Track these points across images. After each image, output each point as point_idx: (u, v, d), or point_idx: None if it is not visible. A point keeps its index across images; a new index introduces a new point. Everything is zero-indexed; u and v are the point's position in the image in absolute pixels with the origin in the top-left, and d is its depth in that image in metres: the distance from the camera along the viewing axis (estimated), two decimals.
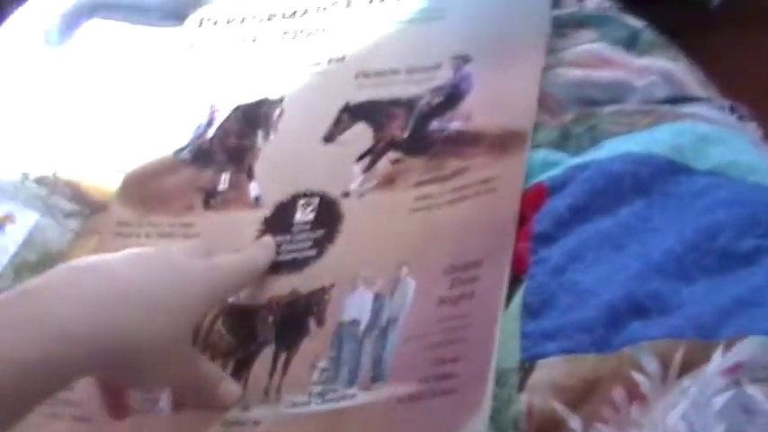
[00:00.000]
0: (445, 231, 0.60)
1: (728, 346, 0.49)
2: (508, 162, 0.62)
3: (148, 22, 0.80)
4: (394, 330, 0.56)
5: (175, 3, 0.81)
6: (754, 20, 1.51)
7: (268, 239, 0.62)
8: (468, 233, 0.59)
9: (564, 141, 0.65)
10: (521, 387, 0.51)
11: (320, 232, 0.62)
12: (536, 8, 0.73)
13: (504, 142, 0.64)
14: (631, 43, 0.73)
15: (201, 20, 0.78)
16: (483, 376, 0.52)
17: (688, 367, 0.49)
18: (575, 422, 0.49)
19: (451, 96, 0.68)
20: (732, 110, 0.68)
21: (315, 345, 0.57)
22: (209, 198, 0.67)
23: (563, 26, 0.74)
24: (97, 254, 0.59)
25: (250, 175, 0.67)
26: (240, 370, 0.57)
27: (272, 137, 0.69)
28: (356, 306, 0.58)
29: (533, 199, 0.60)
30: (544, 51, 0.70)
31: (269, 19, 0.77)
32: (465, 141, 0.65)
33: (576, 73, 0.70)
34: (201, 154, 0.69)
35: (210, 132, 0.70)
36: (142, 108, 0.73)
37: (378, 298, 0.58)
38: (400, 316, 0.56)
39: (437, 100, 0.68)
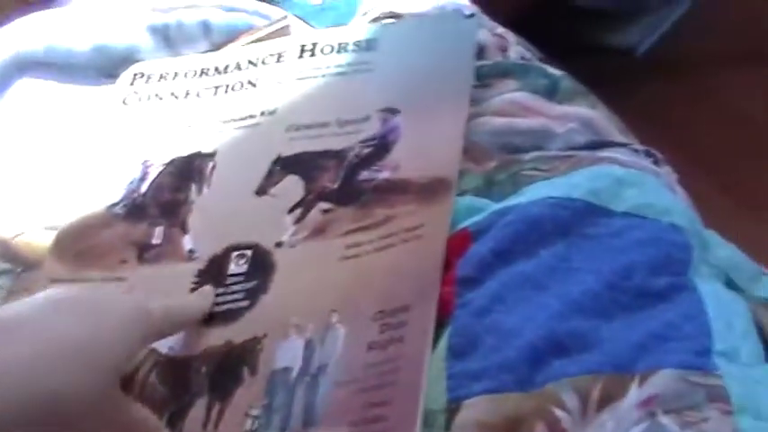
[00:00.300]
0: (374, 278, 0.62)
1: (643, 380, 0.51)
2: (434, 210, 0.64)
3: (79, 81, 0.81)
4: (325, 376, 0.57)
5: (106, 61, 0.82)
6: (677, 68, 1.57)
7: (208, 289, 0.63)
8: (397, 279, 0.61)
9: (488, 188, 0.67)
10: (447, 427, 0.53)
11: (253, 283, 0.64)
12: (460, 61, 0.76)
13: (431, 190, 0.66)
14: (552, 91, 0.75)
15: (134, 76, 0.80)
16: (412, 419, 0.53)
17: (606, 401, 0.51)
18: None
19: (380, 147, 0.70)
20: (648, 154, 0.71)
21: (248, 393, 0.58)
22: (143, 252, 0.67)
23: (486, 77, 0.76)
24: None
25: (184, 229, 0.68)
26: (174, 422, 0.58)
27: (205, 190, 0.70)
28: (288, 354, 0.59)
29: (458, 244, 0.62)
30: (468, 102, 0.72)
31: (201, 74, 0.79)
32: (393, 190, 0.67)
33: (500, 121, 0.72)
34: (135, 208, 0.70)
35: (144, 187, 0.71)
36: (75, 165, 0.74)
37: (309, 345, 0.59)
38: (330, 362, 0.58)
39: (366, 151, 0.70)
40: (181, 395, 0.59)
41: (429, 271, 0.60)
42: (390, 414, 0.54)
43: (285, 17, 0.84)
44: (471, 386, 0.54)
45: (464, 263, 0.61)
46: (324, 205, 0.67)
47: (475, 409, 0.53)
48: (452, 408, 0.53)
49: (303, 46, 0.79)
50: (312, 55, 0.78)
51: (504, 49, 0.80)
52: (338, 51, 0.78)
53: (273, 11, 0.86)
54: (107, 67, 0.82)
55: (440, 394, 0.54)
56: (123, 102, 0.78)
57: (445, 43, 0.77)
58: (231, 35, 0.83)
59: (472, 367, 0.55)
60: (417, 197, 0.65)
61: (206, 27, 0.84)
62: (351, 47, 0.78)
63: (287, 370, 0.58)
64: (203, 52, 0.83)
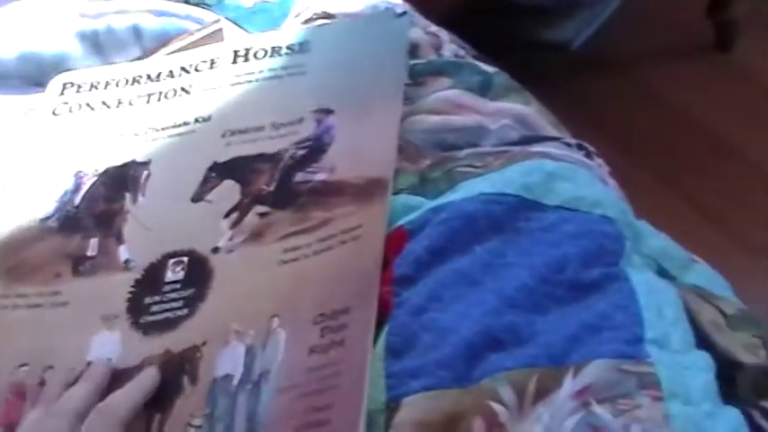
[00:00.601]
0: (313, 281, 0.62)
1: (577, 371, 0.52)
2: (370, 210, 0.65)
3: (6, 90, 0.80)
4: (267, 383, 0.57)
5: (34, 69, 0.81)
6: (612, 62, 1.59)
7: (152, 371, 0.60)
8: (336, 282, 0.61)
9: (423, 186, 0.68)
10: (387, 427, 0.53)
11: (191, 291, 0.63)
12: (393, 60, 0.76)
13: (367, 191, 0.66)
14: (485, 88, 0.76)
15: (63, 86, 0.79)
16: (354, 422, 0.53)
17: (542, 394, 0.52)
18: None
19: (315, 148, 0.70)
20: (579, 147, 0.72)
21: (189, 403, 0.57)
22: (78, 265, 0.67)
23: (420, 75, 0.77)
24: None
25: (119, 239, 0.68)
26: None
27: (140, 199, 0.70)
28: (229, 361, 0.59)
29: (394, 243, 0.63)
30: (401, 101, 0.73)
31: (132, 82, 0.78)
32: (329, 192, 0.67)
33: (434, 119, 0.73)
34: (68, 221, 0.69)
35: (77, 198, 0.70)
36: (4, 178, 0.73)
37: (250, 351, 0.59)
38: (272, 368, 0.58)
39: (301, 153, 0.70)
40: None
41: (368, 273, 0.61)
42: (333, 418, 0.54)
43: (218, 21, 0.83)
44: (410, 384, 0.54)
45: (400, 262, 0.61)
46: (260, 209, 0.67)
47: (414, 407, 0.53)
48: (391, 407, 0.54)
49: (236, 51, 0.79)
50: (246, 60, 0.78)
51: (437, 48, 0.81)
52: (271, 55, 0.78)
53: (206, 14, 0.85)
54: (35, 75, 0.81)
55: (379, 394, 0.55)
56: (53, 112, 0.77)
57: (377, 42, 0.78)
58: (163, 40, 0.83)
59: (410, 365, 0.55)
60: (354, 198, 0.66)
61: (137, 32, 0.83)
62: (284, 50, 0.78)
63: (228, 377, 0.58)
64: (135, 58, 0.82)
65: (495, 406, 0.52)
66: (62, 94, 0.78)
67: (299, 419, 0.54)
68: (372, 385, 0.55)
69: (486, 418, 0.51)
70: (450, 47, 0.81)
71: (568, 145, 0.71)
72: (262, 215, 0.67)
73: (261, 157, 0.70)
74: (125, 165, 0.72)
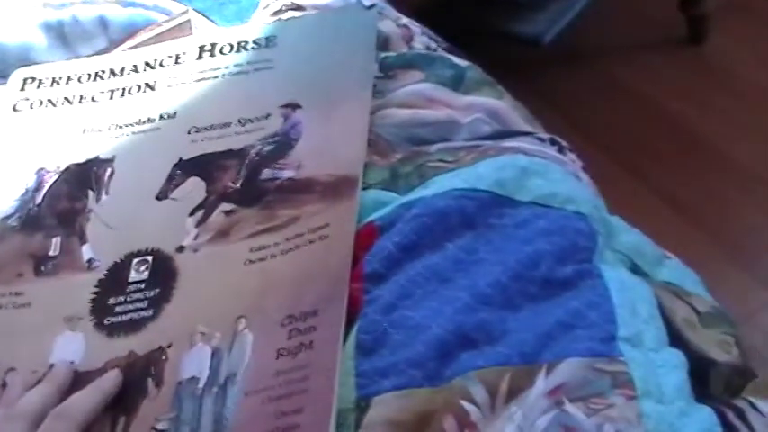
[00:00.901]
0: (281, 282, 0.60)
1: (550, 370, 0.51)
2: (339, 208, 0.63)
3: None
4: (233, 386, 0.56)
5: None
6: (583, 56, 1.59)
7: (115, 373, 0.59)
8: (304, 282, 0.60)
9: (394, 181, 0.67)
10: (357, 426, 0.52)
11: (156, 291, 0.62)
12: (361, 54, 0.75)
13: (336, 189, 0.65)
14: (457, 82, 0.75)
15: (24, 80, 0.77)
16: (324, 426, 0.52)
17: (514, 393, 0.51)
18: None
19: (282, 144, 0.69)
20: (552, 142, 0.71)
21: (154, 406, 0.56)
22: (40, 264, 0.65)
23: (391, 68, 0.76)
24: None
25: (82, 239, 0.66)
26: None
27: (103, 197, 0.68)
28: (194, 363, 0.58)
29: (364, 239, 0.62)
30: (370, 95, 0.71)
31: (95, 78, 0.77)
32: (296, 190, 0.65)
33: (404, 113, 0.72)
34: (30, 219, 0.68)
35: (39, 197, 0.69)
36: None
37: (216, 353, 0.58)
38: (239, 371, 0.56)
39: (267, 149, 0.69)
40: None
41: (337, 273, 0.59)
42: (302, 422, 0.53)
43: (185, 12, 0.82)
44: (380, 383, 0.53)
45: (370, 258, 0.60)
46: (226, 206, 0.66)
47: (384, 406, 0.52)
48: (362, 406, 0.53)
49: (202, 47, 0.78)
50: (211, 55, 0.77)
51: (409, 40, 0.80)
52: (237, 50, 0.77)
53: (173, 6, 0.84)
54: None
55: (349, 392, 0.53)
56: (14, 108, 0.75)
57: (346, 36, 0.76)
58: (130, 31, 0.81)
59: (380, 364, 0.54)
60: (322, 196, 0.64)
61: (103, 23, 0.81)
62: (250, 45, 0.77)
63: (194, 380, 0.57)
64: (101, 50, 0.80)
65: (467, 405, 0.51)
66: (23, 89, 0.77)
67: (267, 424, 0.53)
68: (342, 384, 0.54)
69: (457, 417, 0.50)
70: (422, 39, 0.80)
71: (541, 140, 0.70)
72: (228, 213, 0.65)
73: (227, 153, 0.69)
74: (88, 162, 0.70)
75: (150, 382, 0.57)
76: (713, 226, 1.32)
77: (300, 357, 0.56)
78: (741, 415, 0.50)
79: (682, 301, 0.58)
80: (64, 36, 0.81)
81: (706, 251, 1.25)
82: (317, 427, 0.52)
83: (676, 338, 0.54)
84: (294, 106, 0.71)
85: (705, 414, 0.49)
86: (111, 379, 0.57)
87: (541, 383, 0.50)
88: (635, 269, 0.60)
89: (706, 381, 0.53)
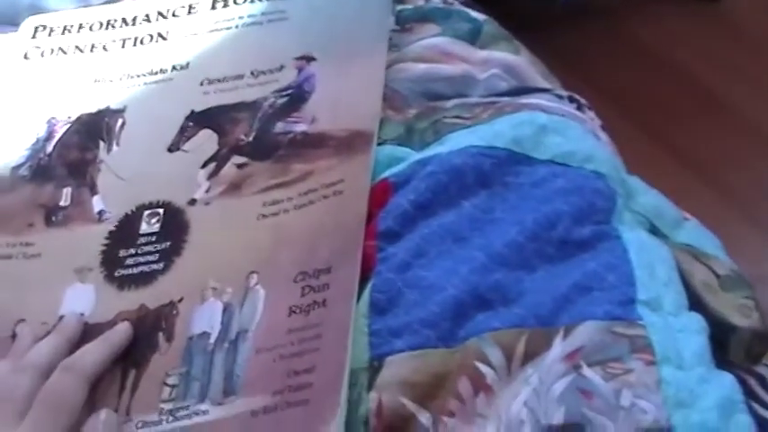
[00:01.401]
0: (294, 237, 0.59)
1: (567, 333, 0.50)
2: (353, 164, 0.62)
3: None
4: (244, 342, 0.55)
5: (8, 8, 0.78)
6: (600, 12, 1.56)
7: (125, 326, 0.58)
8: (317, 238, 0.59)
9: (409, 136, 0.66)
10: (370, 386, 0.51)
11: (167, 244, 0.61)
12: (378, 6, 0.73)
13: (350, 144, 0.64)
14: (474, 37, 0.74)
15: (35, 29, 0.76)
16: (337, 385, 0.51)
17: (531, 355, 0.50)
18: (424, 417, 0.50)
19: (295, 97, 0.68)
20: (571, 100, 0.70)
21: (164, 361, 0.56)
22: (51, 215, 0.64)
23: (407, 21, 0.74)
24: None
25: (93, 190, 0.65)
26: (88, 390, 0.55)
27: (114, 148, 0.67)
28: (206, 318, 0.57)
29: (379, 196, 0.61)
30: (386, 49, 0.70)
31: (107, 26, 0.75)
32: (310, 144, 0.65)
33: (420, 68, 0.70)
34: (41, 169, 0.67)
35: (50, 147, 0.68)
36: None
37: (227, 309, 0.57)
38: (251, 327, 0.56)
39: (281, 101, 0.68)
40: None
41: (351, 229, 0.58)
42: (314, 381, 0.52)
43: None
44: (393, 343, 0.53)
45: (385, 216, 0.59)
46: (238, 159, 0.65)
47: (398, 366, 0.52)
48: (375, 365, 0.52)
49: None
50: (225, 6, 0.75)
51: None
52: (252, 1, 0.75)
53: None
54: (9, 14, 0.78)
55: (362, 352, 0.53)
56: (25, 56, 0.74)
57: None
58: None
59: (394, 323, 0.54)
60: (336, 151, 0.63)
61: None
62: None
63: (204, 335, 0.56)
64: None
65: (482, 367, 0.50)
66: (34, 37, 0.75)
67: (278, 382, 0.53)
68: (355, 343, 0.53)
69: (472, 379, 0.50)
70: None
71: (560, 97, 0.69)
72: (240, 166, 0.64)
73: (239, 105, 0.68)
74: (99, 112, 0.69)
75: (161, 336, 0.57)
76: (732, 188, 1.30)
77: (313, 315, 0.55)
78: (763, 382, 0.49)
79: (701, 264, 0.57)
80: None
81: (723, 212, 1.24)
82: (329, 387, 0.51)
83: (695, 302, 0.54)
84: (308, 58, 0.70)
85: (726, 380, 0.48)
86: (121, 332, 0.57)
87: (558, 347, 0.50)
88: (654, 231, 0.59)
89: (726, 346, 0.52)
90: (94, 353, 0.55)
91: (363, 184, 0.61)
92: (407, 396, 0.50)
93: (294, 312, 0.55)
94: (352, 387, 0.52)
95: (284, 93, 0.68)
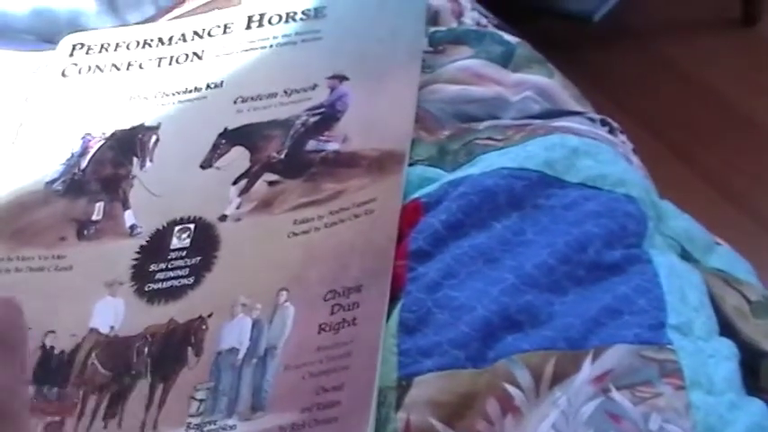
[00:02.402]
0: (324, 255, 0.60)
1: (596, 356, 0.50)
2: (384, 183, 0.62)
3: (17, 46, 0.78)
4: (273, 359, 0.55)
5: (47, 25, 0.79)
6: (634, 35, 1.56)
7: None
8: (348, 257, 0.59)
9: (441, 157, 0.66)
10: (398, 405, 0.51)
11: (197, 259, 0.62)
12: (411, 27, 0.74)
13: (381, 164, 0.64)
14: (507, 59, 0.74)
15: (73, 47, 0.77)
16: (365, 404, 0.51)
17: (559, 378, 0.50)
18: None
19: (328, 116, 0.68)
20: (603, 123, 0.70)
21: (193, 375, 0.56)
22: (83, 229, 0.65)
23: (440, 43, 0.74)
24: None
25: (125, 204, 0.66)
26: (115, 404, 0.56)
27: (148, 164, 0.68)
28: (235, 333, 0.57)
29: (410, 216, 0.61)
30: (419, 70, 0.70)
31: (144, 45, 0.76)
32: (342, 163, 0.65)
33: (453, 89, 0.70)
34: (74, 184, 0.68)
35: (84, 162, 0.69)
36: (10, 138, 0.71)
37: (256, 325, 0.57)
38: (279, 344, 0.56)
39: (313, 120, 0.68)
40: (122, 376, 0.57)
41: (382, 249, 0.59)
42: (343, 399, 0.52)
43: None
44: (422, 362, 0.53)
45: (416, 235, 0.59)
46: (270, 176, 0.65)
47: (426, 386, 0.52)
48: (403, 385, 0.52)
49: (250, 16, 0.77)
50: (260, 25, 0.76)
51: (459, 15, 0.78)
52: (286, 21, 0.76)
53: None
54: (47, 32, 0.79)
55: (391, 371, 0.53)
56: (62, 74, 0.75)
57: (395, 9, 0.75)
58: None
59: (423, 343, 0.53)
60: (368, 171, 0.64)
61: None
62: (299, 15, 0.76)
63: (233, 351, 0.56)
64: (149, 17, 0.80)
65: (511, 388, 0.50)
66: (71, 55, 0.76)
67: (307, 399, 0.53)
68: (384, 362, 0.53)
69: (500, 400, 0.50)
70: (472, 15, 0.79)
71: (592, 120, 0.69)
72: (271, 183, 0.65)
73: (272, 123, 0.68)
74: (134, 128, 0.70)
75: (190, 350, 0.57)
76: (762, 211, 1.29)
77: (342, 333, 0.55)
78: None
79: (732, 290, 0.56)
80: (113, 2, 0.81)
81: (757, 238, 1.23)
82: (358, 406, 0.51)
83: (726, 328, 0.53)
84: (341, 78, 0.70)
85: (756, 407, 0.47)
86: None
87: (587, 369, 0.49)
88: (685, 255, 0.59)
89: (757, 373, 0.52)
90: None
91: (395, 204, 0.61)
92: (435, 416, 0.50)
93: (324, 330, 0.56)
94: (380, 406, 0.52)
95: (317, 111, 0.68)
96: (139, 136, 0.70)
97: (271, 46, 0.74)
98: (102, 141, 0.70)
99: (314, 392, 0.53)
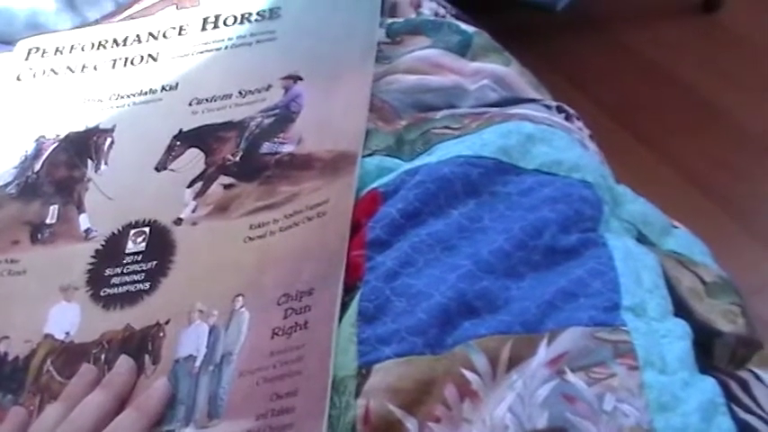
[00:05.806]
0: (279, 260, 0.59)
1: (552, 339, 0.50)
2: (337, 185, 0.62)
3: None
4: (229, 365, 0.55)
5: (6, 26, 0.79)
6: (595, 23, 1.56)
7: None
8: (301, 261, 0.58)
9: (398, 147, 0.66)
10: (357, 393, 0.51)
11: (153, 264, 0.61)
12: (365, 26, 0.73)
13: (334, 165, 0.63)
14: (464, 48, 0.74)
15: (29, 51, 0.76)
16: (319, 410, 0.51)
17: (515, 362, 0.50)
18: (410, 423, 0.49)
19: (282, 117, 0.68)
20: (559, 110, 0.70)
21: (150, 383, 0.55)
22: (37, 232, 0.64)
23: (397, 34, 0.74)
24: None
25: (80, 208, 0.65)
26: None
27: (102, 167, 0.67)
28: (192, 341, 0.56)
29: (367, 206, 0.61)
30: (372, 69, 0.70)
31: (98, 47, 0.76)
32: (296, 166, 0.64)
33: (410, 79, 0.70)
34: (28, 187, 0.67)
35: (37, 165, 0.68)
36: None
37: (213, 331, 0.56)
38: (235, 350, 0.55)
39: (267, 121, 0.68)
40: None
41: (333, 251, 0.58)
42: (297, 405, 0.52)
43: None
44: (381, 350, 0.52)
45: (373, 225, 0.59)
46: (225, 180, 0.65)
47: (385, 373, 0.51)
48: (363, 373, 0.52)
49: (206, 18, 0.77)
50: (215, 27, 0.76)
51: (417, 6, 0.78)
52: (241, 22, 0.76)
53: None
54: (6, 32, 0.78)
55: (350, 360, 0.53)
56: (17, 78, 0.74)
57: (349, 7, 0.75)
58: None
59: (382, 331, 0.53)
60: (321, 173, 0.63)
61: None
62: (254, 16, 0.76)
63: (191, 358, 0.56)
64: (108, 13, 0.79)
65: (468, 373, 0.50)
66: (27, 59, 0.76)
67: (261, 406, 0.52)
68: (344, 351, 0.53)
69: (458, 385, 0.50)
70: (430, 5, 0.79)
71: (548, 107, 0.69)
72: (227, 187, 0.64)
73: (227, 125, 0.68)
74: (88, 131, 0.70)
75: (147, 358, 0.56)
76: (725, 195, 1.30)
77: (294, 338, 0.54)
78: (745, 386, 0.49)
79: (688, 271, 0.56)
80: (72, 0, 0.80)
81: (718, 221, 1.23)
82: (312, 412, 0.51)
83: (681, 308, 0.53)
84: (295, 78, 0.70)
85: (708, 385, 0.48)
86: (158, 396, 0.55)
87: (543, 352, 0.49)
88: (641, 238, 0.59)
89: (710, 351, 0.52)
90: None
91: (347, 205, 0.60)
92: (394, 402, 0.50)
93: (276, 335, 0.55)
94: (340, 395, 0.51)
95: (271, 112, 0.68)
96: (94, 138, 0.69)
97: (226, 47, 0.74)
98: (56, 143, 0.69)
99: (268, 398, 0.52)
